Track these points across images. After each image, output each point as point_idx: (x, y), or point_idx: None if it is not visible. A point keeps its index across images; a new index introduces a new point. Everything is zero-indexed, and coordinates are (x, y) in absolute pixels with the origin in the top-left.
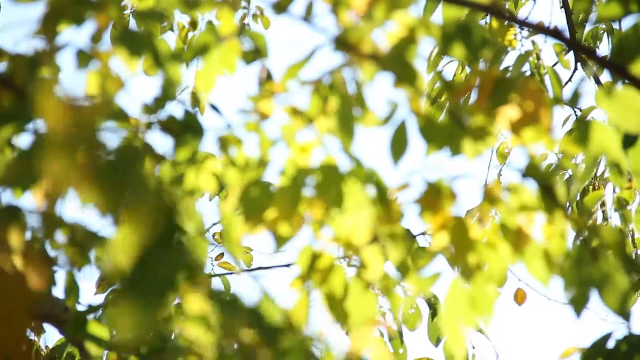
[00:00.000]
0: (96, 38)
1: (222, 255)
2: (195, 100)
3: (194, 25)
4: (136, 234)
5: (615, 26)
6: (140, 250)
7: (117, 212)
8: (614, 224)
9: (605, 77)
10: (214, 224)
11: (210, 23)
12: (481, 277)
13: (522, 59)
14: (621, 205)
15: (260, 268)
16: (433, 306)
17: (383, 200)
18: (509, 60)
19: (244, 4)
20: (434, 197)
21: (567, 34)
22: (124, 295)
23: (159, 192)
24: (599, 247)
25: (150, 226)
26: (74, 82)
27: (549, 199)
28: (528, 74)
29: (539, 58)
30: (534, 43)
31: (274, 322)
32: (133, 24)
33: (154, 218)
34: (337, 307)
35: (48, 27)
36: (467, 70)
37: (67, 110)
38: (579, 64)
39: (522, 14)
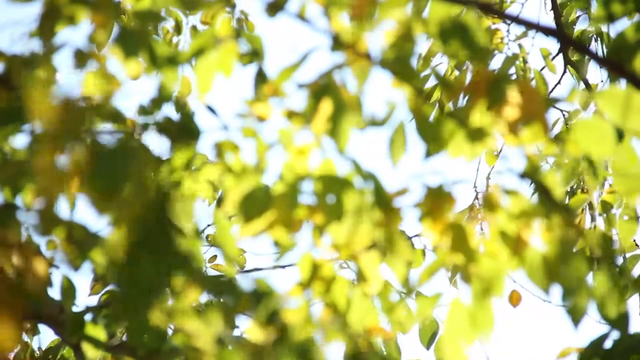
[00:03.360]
0: (93, 38)
1: (215, 257)
2: (180, 105)
3: (178, 29)
4: (126, 232)
5: (604, 29)
6: (129, 249)
7: (111, 210)
8: (601, 227)
9: (594, 78)
10: (208, 226)
11: (194, 27)
12: (481, 290)
13: (509, 61)
14: (606, 208)
15: (256, 269)
16: None
17: (382, 204)
18: (495, 63)
19: (228, 9)
20: (434, 201)
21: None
22: (116, 295)
23: (149, 188)
24: (595, 254)
25: (140, 224)
26: (70, 81)
27: (546, 202)
28: (513, 77)
29: (525, 61)
30: (520, 46)
31: (272, 304)
32: (126, 24)
33: (144, 215)
34: (339, 316)
35: (45, 26)
36: (456, 71)
37: (58, 109)
38: (567, 67)
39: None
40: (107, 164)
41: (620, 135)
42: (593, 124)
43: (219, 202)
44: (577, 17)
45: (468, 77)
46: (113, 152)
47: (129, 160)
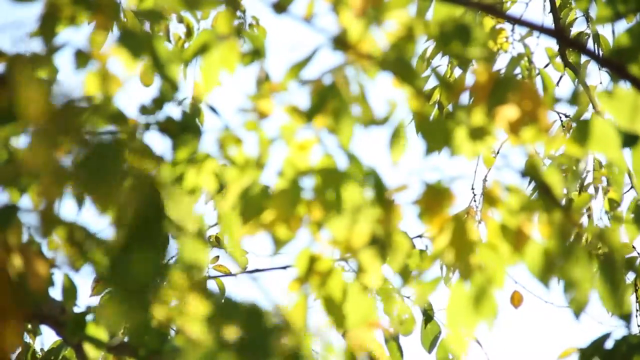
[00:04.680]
0: (92, 38)
1: (217, 257)
2: (194, 107)
3: (189, 34)
4: (120, 229)
5: (601, 31)
6: (120, 246)
7: (110, 208)
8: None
9: (593, 80)
10: (210, 227)
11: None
12: (482, 279)
13: (515, 61)
14: (612, 206)
15: (256, 270)
16: (427, 312)
17: (382, 201)
18: (499, 63)
19: (239, 13)
20: (433, 198)
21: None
22: (108, 293)
23: (141, 186)
24: (599, 248)
25: (132, 221)
26: (72, 82)
27: (547, 199)
28: (519, 77)
29: (530, 61)
30: (525, 46)
31: (269, 323)
32: (128, 25)
33: (136, 212)
34: (336, 310)
35: (46, 27)
36: (456, 72)
37: (55, 109)
38: (565, 69)
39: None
40: (96, 161)
41: (633, 137)
42: (599, 125)
43: (221, 195)
44: (574, 20)
45: (468, 78)
46: (102, 150)
47: (117, 158)
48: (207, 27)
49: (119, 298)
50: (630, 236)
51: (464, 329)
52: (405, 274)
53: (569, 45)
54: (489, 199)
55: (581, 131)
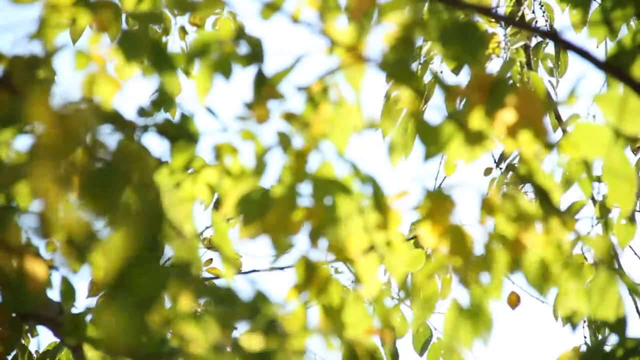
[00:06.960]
0: (94, 40)
1: (210, 260)
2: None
3: (166, 30)
4: (124, 238)
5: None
6: (126, 255)
7: (110, 215)
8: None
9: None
10: (205, 229)
11: (182, 28)
12: (479, 292)
13: (508, 65)
14: (603, 212)
15: (253, 271)
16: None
17: (380, 207)
18: (492, 67)
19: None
20: (433, 204)
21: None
22: (111, 300)
23: (147, 196)
24: (594, 257)
25: (138, 231)
26: (70, 83)
27: (545, 205)
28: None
29: (522, 66)
30: (517, 50)
31: (269, 314)
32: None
33: (142, 222)
34: (334, 317)
35: (46, 28)
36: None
37: (58, 115)
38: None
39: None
40: (103, 175)
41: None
42: (590, 127)
43: (217, 204)
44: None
45: (473, 80)
46: (108, 163)
47: (123, 173)
48: (184, 23)
49: (119, 305)
50: (621, 240)
51: (460, 346)
52: (405, 289)
53: (565, 47)
54: (487, 207)
55: (576, 135)
